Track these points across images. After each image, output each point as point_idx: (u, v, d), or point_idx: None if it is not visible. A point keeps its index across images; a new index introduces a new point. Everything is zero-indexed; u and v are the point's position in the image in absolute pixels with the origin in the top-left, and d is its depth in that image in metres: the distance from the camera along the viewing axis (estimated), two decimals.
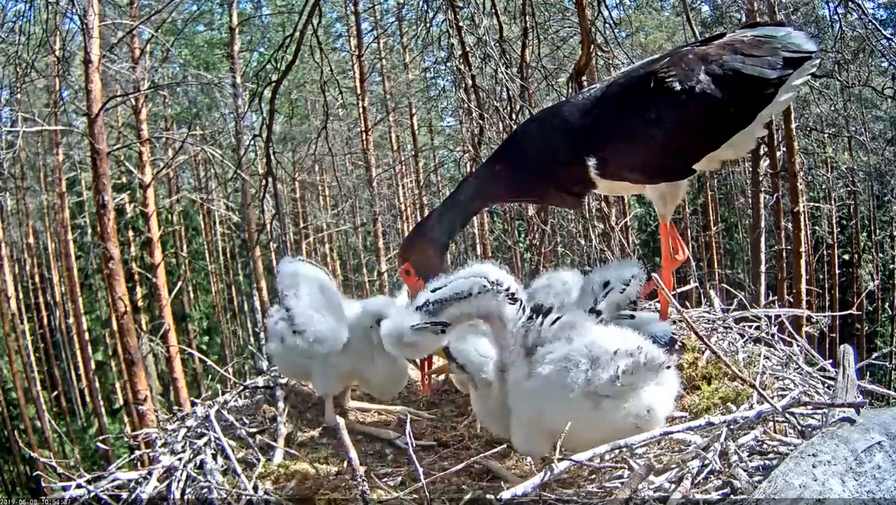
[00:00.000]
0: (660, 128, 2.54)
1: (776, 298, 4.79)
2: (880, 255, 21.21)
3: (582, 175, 2.63)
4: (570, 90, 5.48)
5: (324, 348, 2.83)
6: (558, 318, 2.23)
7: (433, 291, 2.20)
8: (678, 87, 2.52)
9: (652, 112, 2.54)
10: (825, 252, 20.49)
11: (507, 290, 2.20)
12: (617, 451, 2.00)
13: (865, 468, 1.72)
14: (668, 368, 2.09)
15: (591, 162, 2.59)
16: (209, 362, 3.84)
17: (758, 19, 10.73)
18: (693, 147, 2.61)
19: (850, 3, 5.84)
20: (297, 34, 5.97)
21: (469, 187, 2.73)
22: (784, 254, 11.55)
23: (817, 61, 2.68)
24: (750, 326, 3.28)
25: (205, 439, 2.66)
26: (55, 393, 21.30)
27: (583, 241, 6.46)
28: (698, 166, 2.68)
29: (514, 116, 5.96)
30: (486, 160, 2.87)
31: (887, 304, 20.74)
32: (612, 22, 5.99)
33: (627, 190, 2.86)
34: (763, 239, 12.36)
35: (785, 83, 2.58)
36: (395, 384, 2.99)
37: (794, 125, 10.48)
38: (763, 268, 12.01)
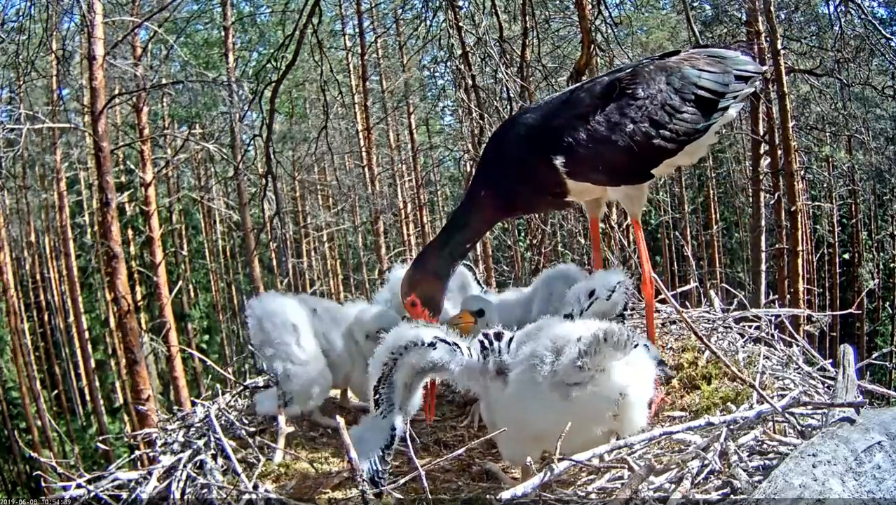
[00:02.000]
0: (624, 132, 2.66)
1: (776, 297, 4.79)
2: (881, 254, 21.21)
3: (553, 176, 2.70)
4: None
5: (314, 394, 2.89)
6: (511, 337, 2.22)
7: (374, 392, 2.20)
8: (641, 94, 2.69)
9: (616, 116, 2.67)
10: (826, 251, 20.48)
11: (422, 343, 2.18)
12: (617, 451, 2.00)
13: (865, 468, 1.72)
14: (636, 345, 1.99)
15: (559, 161, 2.66)
16: (209, 362, 3.84)
17: (758, 22, 10.73)
18: (654, 152, 2.73)
19: (850, 2, 5.84)
20: (297, 34, 5.97)
21: (464, 219, 2.78)
22: (784, 253, 11.55)
23: (759, 81, 2.96)
24: (750, 326, 3.28)
25: (205, 439, 2.65)
26: (55, 392, 21.31)
27: (583, 241, 6.47)
28: (656, 171, 2.80)
29: None
30: (470, 186, 2.91)
31: (888, 303, 20.73)
32: (612, 21, 5.99)
33: (592, 193, 2.91)
34: (763, 238, 12.35)
35: (737, 97, 2.86)
36: None
37: (791, 124, 10.46)
38: (763, 267, 12.00)
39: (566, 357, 1.99)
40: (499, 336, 2.22)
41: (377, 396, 2.18)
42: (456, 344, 2.20)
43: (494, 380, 2.16)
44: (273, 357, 2.82)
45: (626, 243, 6.04)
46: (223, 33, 16.16)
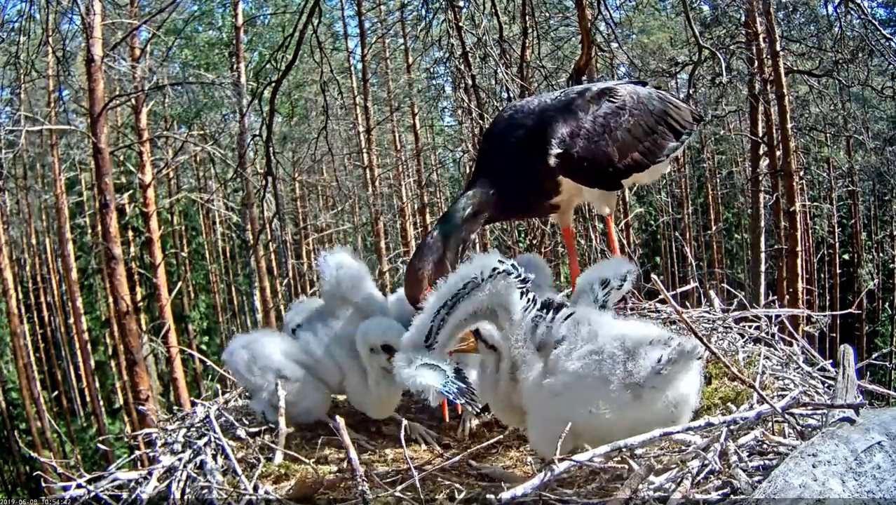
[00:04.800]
0: (612, 137, 2.82)
1: (776, 297, 4.79)
2: (881, 254, 21.24)
3: (550, 174, 2.79)
4: None
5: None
6: (571, 313, 2.20)
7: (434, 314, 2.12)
8: (628, 107, 2.89)
9: (608, 122, 2.83)
10: (826, 252, 20.50)
11: (518, 276, 2.14)
12: (617, 451, 2.00)
13: (865, 468, 1.72)
14: (700, 357, 2.08)
15: (553, 159, 2.73)
16: (209, 363, 3.83)
17: (756, 23, 10.74)
18: (632, 162, 2.91)
19: (850, 3, 5.84)
20: (297, 34, 5.98)
21: (466, 209, 2.73)
22: (783, 253, 11.57)
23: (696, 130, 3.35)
24: (750, 326, 3.28)
25: (205, 439, 2.65)
26: (55, 393, 21.32)
27: (583, 241, 6.47)
28: (625, 182, 2.98)
29: None
30: (470, 182, 2.89)
31: (887, 303, 20.75)
32: (612, 22, 6.00)
33: (572, 193, 2.96)
34: (763, 239, 12.37)
35: (691, 134, 3.17)
36: (388, 407, 2.93)
37: (790, 125, 10.48)
38: (763, 267, 12.03)
39: (645, 361, 2.05)
40: (558, 308, 2.20)
41: (437, 320, 2.11)
42: (533, 297, 2.19)
43: (534, 356, 2.17)
44: (258, 399, 2.85)
45: (626, 243, 6.04)
46: (232, 34, 16.15)
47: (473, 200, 2.74)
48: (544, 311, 2.20)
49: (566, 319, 2.19)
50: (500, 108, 6.17)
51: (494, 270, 2.12)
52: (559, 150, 2.73)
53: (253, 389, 2.90)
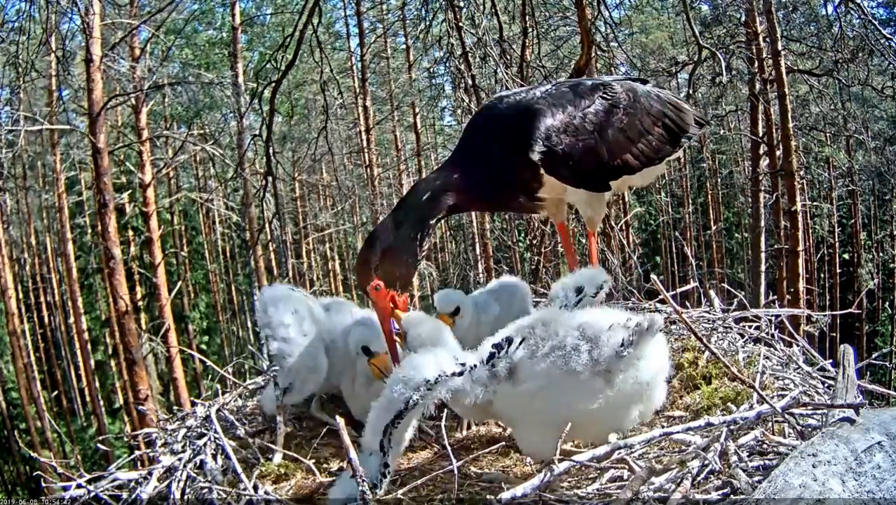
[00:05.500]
0: (601, 136, 2.69)
1: (776, 297, 4.79)
2: (881, 254, 21.24)
3: (531, 169, 2.65)
4: None
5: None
6: (523, 339, 2.15)
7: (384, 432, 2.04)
8: (622, 105, 2.75)
9: (598, 119, 2.69)
10: (826, 251, 20.51)
11: (456, 362, 2.11)
12: (617, 452, 2.00)
13: (865, 468, 1.72)
14: (660, 331, 2.09)
15: (536, 155, 2.60)
16: (209, 363, 3.83)
17: (755, 23, 10.74)
18: (622, 163, 2.77)
19: (849, 3, 5.85)
20: (297, 34, 5.98)
21: (427, 193, 2.59)
22: (784, 253, 11.57)
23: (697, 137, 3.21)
24: (750, 326, 3.28)
25: (205, 439, 2.65)
26: (55, 393, 21.31)
27: (583, 241, 6.46)
28: (614, 184, 2.82)
29: None
30: (445, 164, 2.78)
31: (887, 303, 20.75)
32: (612, 21, 6.00)
33: (554, 190, 2.82)
34: (763, 238, 12.38)
35: (691, 138, 3.03)
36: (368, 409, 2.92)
37: (791, 125, 10.48)
38: (763, 267, 12.04)
39: (607, 346, 2.05)
40: (510, 341, 2.18)
41: (387, 437, 2.04)
42: (471, 363, 2.15)
43: (504, 382, 2.14)
44: (271, 338, 2.80)
45: (626, 243, 6.04)
46: (231, 34, 16.14)
47: (434, 184, 2.60)
48: (496, 353, 2.15)
49: (520, 344, 2.14)
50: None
51: (426, 382, 2.03)
52: (543, 146, 2.59)
53: (265, 324, 2.83)
